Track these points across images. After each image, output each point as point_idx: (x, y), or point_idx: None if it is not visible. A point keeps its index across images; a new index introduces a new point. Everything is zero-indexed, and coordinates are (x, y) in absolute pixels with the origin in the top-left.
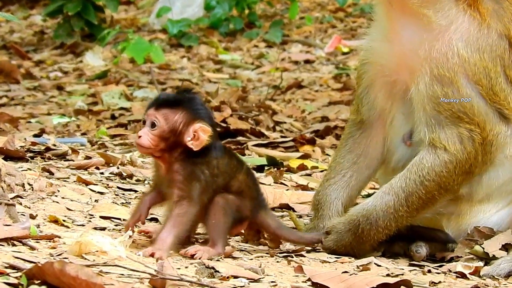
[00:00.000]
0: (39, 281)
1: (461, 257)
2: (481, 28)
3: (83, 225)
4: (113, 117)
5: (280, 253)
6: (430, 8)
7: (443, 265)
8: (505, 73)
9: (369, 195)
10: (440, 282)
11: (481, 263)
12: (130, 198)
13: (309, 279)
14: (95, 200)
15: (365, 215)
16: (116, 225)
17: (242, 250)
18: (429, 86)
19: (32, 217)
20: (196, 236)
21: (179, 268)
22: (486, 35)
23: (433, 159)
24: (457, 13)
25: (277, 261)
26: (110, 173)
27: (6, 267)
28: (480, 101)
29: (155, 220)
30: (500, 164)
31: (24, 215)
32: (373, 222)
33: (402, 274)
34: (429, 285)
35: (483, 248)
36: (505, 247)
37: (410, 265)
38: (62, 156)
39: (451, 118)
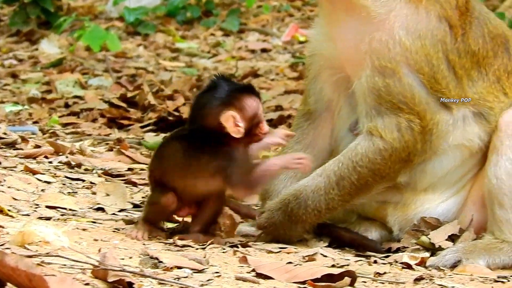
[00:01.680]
0: None
1: (408, 247)
2: (420, 12)
3: (28, 215)
4: (66, 105)
5: (228, 242)
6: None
7: (389, 255)
8: (447, 59)
9: None
10: (385, 273)
11: (427, 254)
12: (77, 188)
13: (253, 270)
14: (42, 190)
15: (295, 195)
16: (62, 215)
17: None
18: (370, 79)
19: None
20: None
21: (122, 259)
22: (426, 20)
23: (368, 146)
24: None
25: (223, 252)
26: (59, 162)
27: None
28: (421, 90)
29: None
30: (443, 153)
31: None
32: (303, 202)
33: (348, 265)
34: (374, 276)
35: (429, 239)
36: (451, 238)
37: (357, 255)
38: (12, 145)
39: (391, 109)
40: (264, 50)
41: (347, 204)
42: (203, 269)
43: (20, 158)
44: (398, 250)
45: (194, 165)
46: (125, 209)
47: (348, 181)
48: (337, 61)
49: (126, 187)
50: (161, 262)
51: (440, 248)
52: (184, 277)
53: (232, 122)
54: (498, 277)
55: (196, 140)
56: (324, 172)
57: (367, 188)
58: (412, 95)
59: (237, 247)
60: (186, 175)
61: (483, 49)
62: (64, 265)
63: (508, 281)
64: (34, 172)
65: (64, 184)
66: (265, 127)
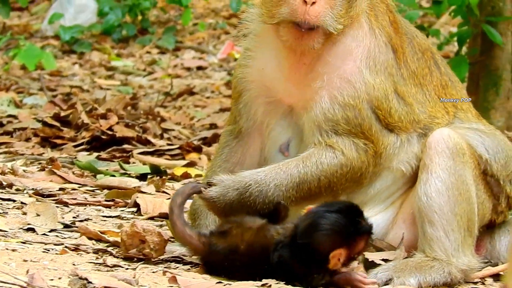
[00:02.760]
0: None
1: None
2: (378, 44)
3: None
4: (0, 124)
5: (157, 262)
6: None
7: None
8: (396, 91)
9: None
10: None
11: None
12: (8, 208)
13: None
14: None
15: (257, 182)
16: None
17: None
18: (328, 111)
19: None
20: None
21: (51, 279)
22: (385, 50)
23: (332, 157)
24: (358, 28)
25: (153, 272)
26: None
27: None
28: (377, 123)
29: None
30: (381, 174)
31: None
32: (264, 191)
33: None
34: None
35: (364, 255)
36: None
37: None
38: None
39: (349, 133)
40: (199, 68)
41: (293, 207)
42: None
43: None
44: None
45: None
46: (55, 230)
47: (308, 186)
48: (285, 92)
49: (57, 207)
50: (90, 282)
51: (374, 264)
52: None
53: (337, 258)
54: None
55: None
56: (288, 171)
57: (315, 198)
58: (370, 127)
59: (169, 267)
60: None
61: (420, 67)
62: None
63: None
64: None
65: None
66: (353, 264)
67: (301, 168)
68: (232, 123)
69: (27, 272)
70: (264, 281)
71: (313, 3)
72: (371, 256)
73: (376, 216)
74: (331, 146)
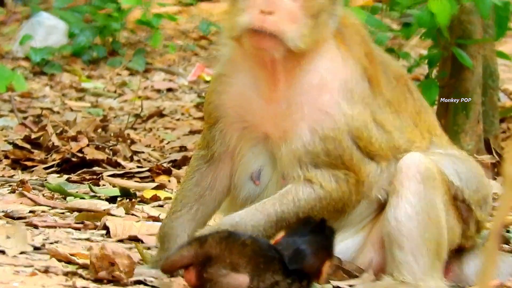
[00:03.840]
0: None
1: None
2: (353, 76)
3: None
4: None
5: (127, 285)
6: (314, 61)
7: None
8: (375, 120)
9: None
10: None
11: None
12: None
13: None
14: None
15: (234, 227)
16: None
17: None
18: (309, 140)
19: None
20: None
21: None
22: (361, 81)
23: (309, 193)
24: (334, 60)
25: None
26: None
27: None
28: (358, 152)
29: None
30: (360, 202)
31: None
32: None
33: None
34: None
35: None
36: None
37: None
38: None
39: (329, 164)
40: (169, 90)
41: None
42: None
43: None
44: None
45: None
46: (25, 252)
47: (286, 223)
48: (263, 122)
49: (27, 229)
50: None
51: None
52: None
53: (327, 270)
54: None
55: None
56: (265, 211)
57: None
58: (351, 157)
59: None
60: None
61: (395, 95)
62: None
63: None
64: None
65: None
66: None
67: (278, 206)
68: (204, 148)
69: None
70: None
71: (271, 12)
72: (338, 283)
73: (347, 240)
74: (310, 180)
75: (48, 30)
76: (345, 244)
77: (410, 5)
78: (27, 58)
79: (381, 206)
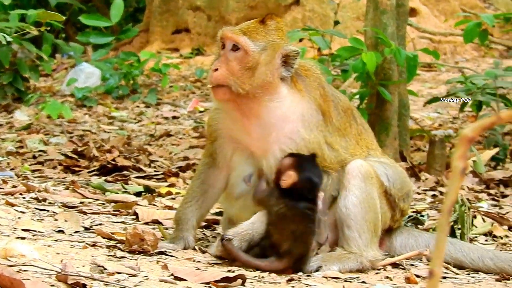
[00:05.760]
0: None
1: None
2: (310, 111)
3: (9, 236)
4: (34, 157)
5: (153, 255)
6: (274, 100)
7: None
8: (327, 142)
9: (217, 213)
10: (264, 276)
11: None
12: (44, 216)
13: (172, 274)
14: (18, 218)
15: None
16: (33, 236)
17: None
18: (280, 158)
19: None
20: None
21: (77, 267)
22: (313, 113)
23: None
24: (292, 100)
25: (150, 261)
26: (30, 198)
27: None
28: None
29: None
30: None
31: None
32: None
33: (239, 269)
34: (259, 278)
35: None
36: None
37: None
38: None
39: None
40: (174, 117)
41: None
42: (136, 273)
43: (2, 195)
44: None
45: None
46: (78, 231)
47: None
48: (247, 144)
49: (79, 215)
50: (105, 269)
51: None
52: (123, 280)
53: None
54: (348, 278)
55: None
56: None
57: None
58: None
59: (161, 258)
60: None
61: (343, 123)
62: (36, 271)
63: (355, 281)
64: (12, 205)
65: (34, 214)
66: None
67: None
68: (208, 157)
69: (61, 261)
70: (237, 272)
71: (216, 69)
72: None
73: None
74: None
75: (87, 75)
76: None
77: (347, 57)
78: (72, 95)
79: (334, 199)
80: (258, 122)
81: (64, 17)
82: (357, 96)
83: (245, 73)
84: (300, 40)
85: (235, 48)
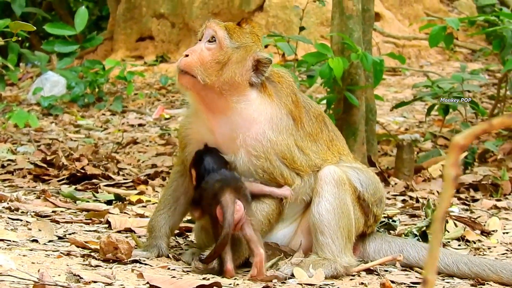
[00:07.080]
0: None
1: None
2: (279, 115)
3: None
4: (3, 166)
5: (127, 263)
6: (241, 102)
7: (248, 270)
8: (297, 145)
9: (189, 221)
10: (239, 284)
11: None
12: (17, 225)
13: (147, 283)
14: None
15: None
16: (7, 245)
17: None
18: (248, 160)
19: None
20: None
21: (54, 276)
22: (283, 118)
23: (263, 207)
24: (261, 103)
25: (125, 270)
26: (2, 207)
27: None
28: (285, 169)
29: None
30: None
31: None
32: None
33: (214, 277)
34: (234, 285)
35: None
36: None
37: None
38: None
39: (268, 179)
40: (140, 125)
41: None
42: (112, 282)
43: None
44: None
45: None
46: (52, 240)
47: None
48: (213, 145)
49: (52, 224)
50: (81, 278)
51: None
52: None
53: None
54: (322, 284)
55: None
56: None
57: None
58: (281, 172)
59: (135, 267)
60: None
61: (314, 128)
62: (13, 281)
63: (329, 287)
64: None
65: (7, 223)
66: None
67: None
68: (179, 164)
69: (38, 271)
70: (212, 280)
71: (187, 55)
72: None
73: (283, 230)
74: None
75: (53, 84)
76: (282, 233)
77: (314, 63)
78: (38, 104)
79: (307, 205)
80: (224, 121)
81: (34, 27)
82: (324, 101)
83: (214, 66)
84: (266, 46)
85: (212, 39)
